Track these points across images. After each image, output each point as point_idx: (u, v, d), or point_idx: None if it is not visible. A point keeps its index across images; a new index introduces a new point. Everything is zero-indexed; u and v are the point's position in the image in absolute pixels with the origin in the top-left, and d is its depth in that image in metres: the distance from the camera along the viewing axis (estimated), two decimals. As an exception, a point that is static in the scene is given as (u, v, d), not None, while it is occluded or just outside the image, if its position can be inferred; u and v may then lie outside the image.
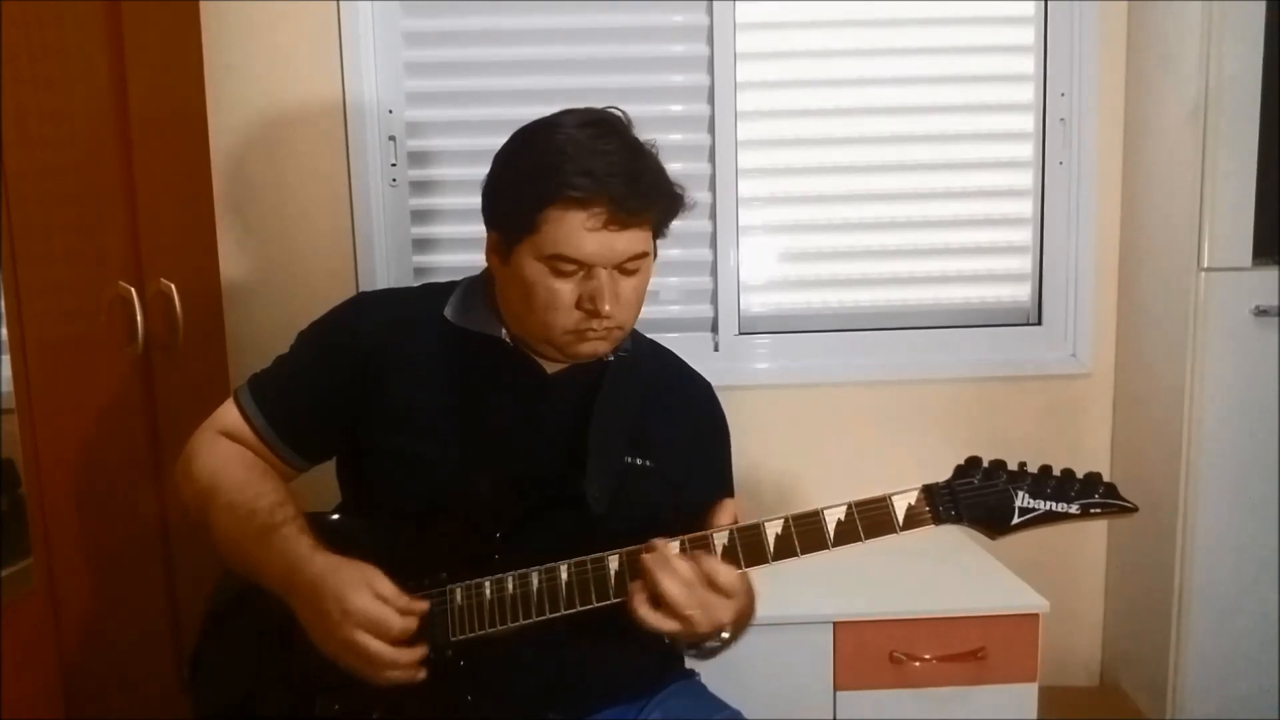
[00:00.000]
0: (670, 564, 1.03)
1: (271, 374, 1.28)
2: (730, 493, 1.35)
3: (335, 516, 1.24)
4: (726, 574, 1.04)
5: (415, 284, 2.00)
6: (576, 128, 1.14)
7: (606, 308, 1.13)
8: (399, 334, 1.24)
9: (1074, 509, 1.03)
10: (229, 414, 1.25)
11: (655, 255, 1.23)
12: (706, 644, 1.14)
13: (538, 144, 1.15)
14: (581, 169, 1.09)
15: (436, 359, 1.23)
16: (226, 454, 1.22)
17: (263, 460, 1.24)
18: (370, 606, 1.03)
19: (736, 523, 1.08)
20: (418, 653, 1.06)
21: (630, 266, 1.15)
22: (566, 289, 1.13)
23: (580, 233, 1.11)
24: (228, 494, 1.16)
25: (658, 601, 1.02)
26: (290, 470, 1.26)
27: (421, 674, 1.07)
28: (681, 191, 1.20)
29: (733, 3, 2.03)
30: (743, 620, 1.12)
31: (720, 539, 1.06)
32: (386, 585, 1.06)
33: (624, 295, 1.15)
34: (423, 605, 1.08)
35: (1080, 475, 1.04)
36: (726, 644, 1.14)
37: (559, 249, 1.12)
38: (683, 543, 1.06)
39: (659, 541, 1.05)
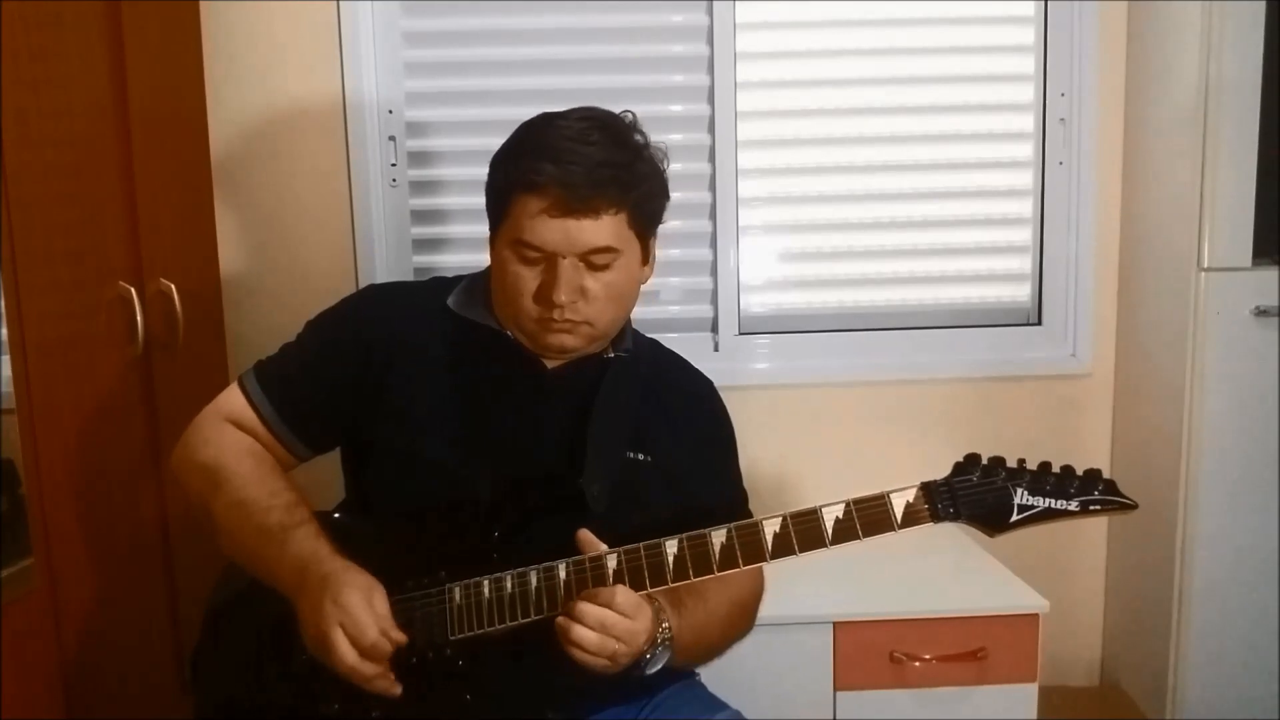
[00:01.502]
0: (577, 613, 1.05)
1: (278, 361, 1.28)
2: (737, 493, 1.35)
3: (336, 515, 1.24)
4: (623, 595, 1.05)
5: (417, 283, 2.00)
6: (574, 120, 1.16)
7: (562, 297, 1.13)
8: (406, 326, 1.25)
9: (1073, 506, 1.02)
10: (234, 399, 1.25)
11: (650, 258, 1.23)
12: (640, 665, 1.13)
13: (528, 132, 1.18)
14: (549, 157, 1.11)
15: (440, 353, 1.24)
16: (236, 443, 1.22)
17: (266, 449, 1.24)
18: (358, 608, 1.03)
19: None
20: (378, 669, 1.06)
21: (597, 260, 1.15)
22: (529, 276, 1.15)
23: (536, 219, 1.12)
24: (241, 488, 1.16)
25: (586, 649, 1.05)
26: (291, 459, 1.26)
27: (396, 689, 1.07)
28: (654, 188, 1.19)
29: (733, 3, 2.03)
30: (651, 638, 1.10)
31: (718, 537, 1.06)
32: (383, 603, 1.06)
33: (591, 290, 1.15)
34: (401, 638, 1.07)
35: (1080, 472, 1.04)
36: (658, 659, 1.13)
37: (519, 234, 1.14)
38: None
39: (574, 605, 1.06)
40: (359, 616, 1.03)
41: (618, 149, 1.15)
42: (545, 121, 1.18)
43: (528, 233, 1.13)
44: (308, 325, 1.30)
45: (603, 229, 1.14)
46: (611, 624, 1.04)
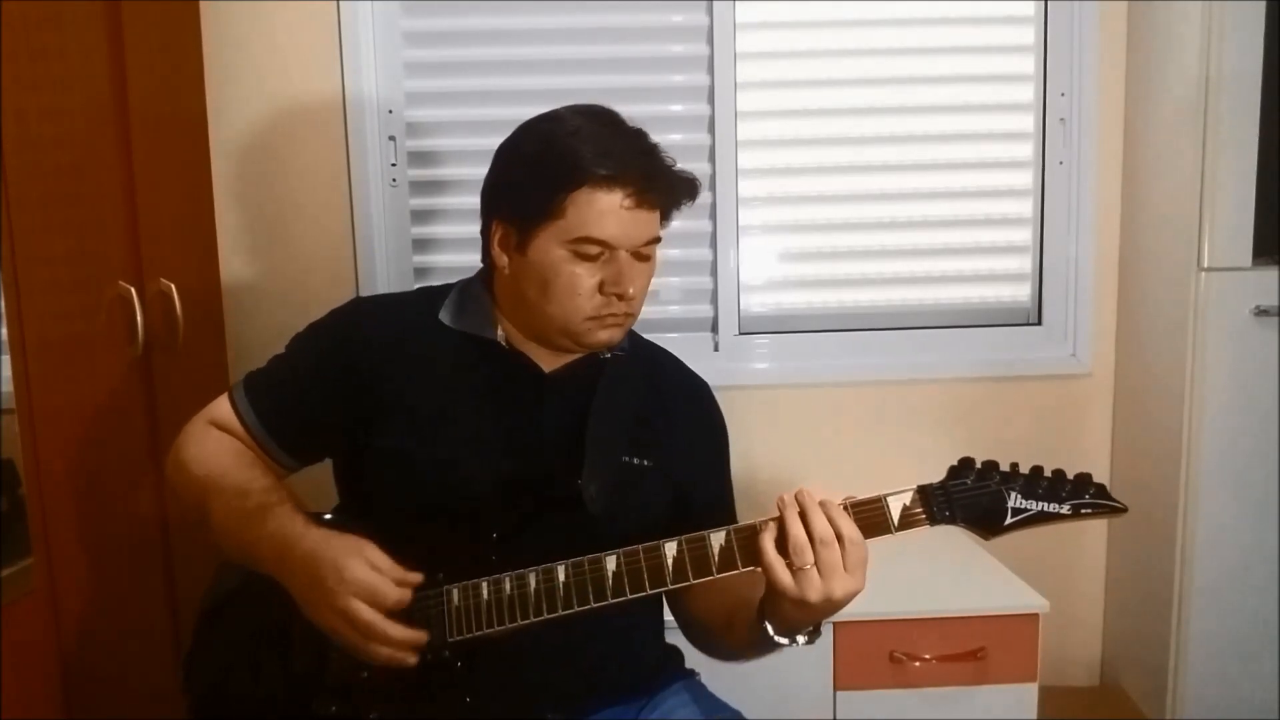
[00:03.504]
0: (805, 508, 1.00)
1: (266, 374, 1.28)
2: (730, 493, 1.35)
3: (328, 516, 1.24)
4: (851, 530, 1.00)
5: (416, 284, 2.01)
6: (583, 119, 1.16)
7: (631, 289, 1.15)
8: (395, 338, 1.24)
9: (1065, 509, 1.03)
10: (222, 408, 1.25)
11: None
12: (795, 635, 1.08)
13: (546, 133, 1.17)
14: (601, 150, 1.12)
15: (433, 362, 1.23)
16: (218, 443, 1.22)
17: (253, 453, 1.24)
18: (366, 575, 1.03)
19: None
20: (411, 633, 1.05)
21: (645, 251, 1.18)
22: (588, 273, 1.15)
23: (609, 214, 1.13)
24: (221, 478, 1.17)
25: (782, 544, 1.00)
26: (280, 469, 1.26)
27: (412, 658, 1.06)
28: (693, 176, 1.21)
29: (733, 3, 2.03)
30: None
31: (717, 540, 1.06)
32: (380, 556, 1.05)
33: (639, 280, 1.18)
34: (416, 577, 1.06)
35: (1071, 476, 1.04)
36: (810, 639, 1.09)
37: (586, 231, 1.13)
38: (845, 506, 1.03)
39: (804, 489, 1.02)
40: (370, 580, 1.03)
41: (642, 138, 1.17)
42: (553, 120, 1.18)
43: (595, 228, 1.13)
44: (295, 338, 1.29)
45: (654, 220, 1.18)
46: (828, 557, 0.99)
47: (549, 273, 1.16)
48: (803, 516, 1.00)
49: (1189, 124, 1.82)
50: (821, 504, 1.01)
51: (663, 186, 1.16)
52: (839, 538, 0.99)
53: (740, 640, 1.15)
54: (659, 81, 2.07)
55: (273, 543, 1.08)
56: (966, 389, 2.14)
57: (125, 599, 1.50)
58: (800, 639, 1.08)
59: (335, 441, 1.26)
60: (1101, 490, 1.03)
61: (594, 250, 1.14)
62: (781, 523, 1.01)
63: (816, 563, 0.99)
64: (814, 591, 0.99)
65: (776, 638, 1.08)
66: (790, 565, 1.00)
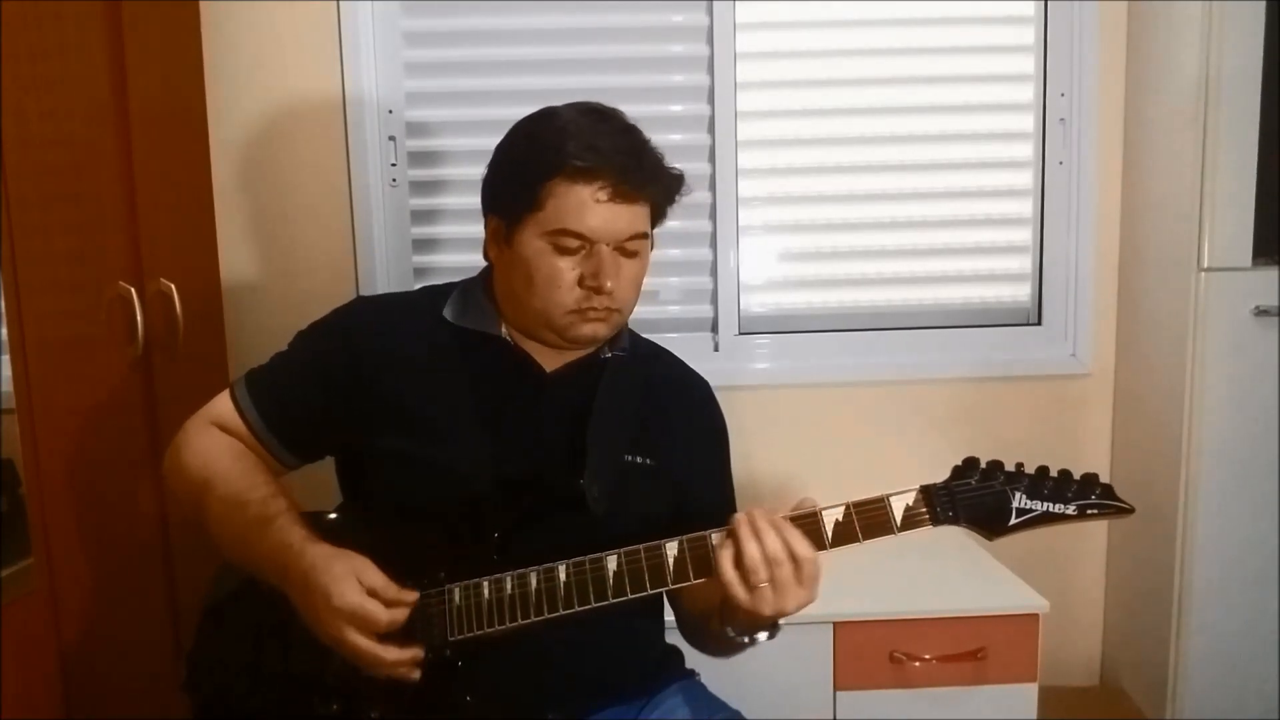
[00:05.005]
0: (759, 530, 1.02)
1: (268, 371, 1.28)
2: (731, 494, 1.35)
3: (333, 516, 1.24)
4: (805, 549, 1.02)
5: (416, 284, 2.01)
6: (575, 113, 1.17)
7: (609, 283, 1.14)
8: (396, 336, 1.24)
9: (1071, 510, 1.02)
10: (223, 405, 1.25)
11: (653, 244, 1.24)
12: (755, 634, 1.11)
13: (538, 127, 1.18)
14: (585, 144, 1.12)
15: (435, 360, 1.23)
16: (218, 444, 1.22)
17: (253, 453, 1.24)
18: (355, 602, 1.03)
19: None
20: (407, 654, 1.06)
21: (631, 247, 1.17)
22: (568, 266, 1.15)
23: (585, 206, 1.13)
24: (222, 484, 1.17)
25: (739, 562, 1.02)
26: (279, 467, 1.26)
27: (415, 674, 1.07)
28: (680, 173, 1.21)
29: (733, 3, 2.03)
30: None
31: (718, 540, 1.06)
32: (376, 576, 1.05)
33: (624, 276, 1.17)
34: (412, 596, 1.07)
35: (1077, 476, 1.04)
36: (771, 635, 1.11)
37: (564, 223, 1.13)
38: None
39: (757, 509, 1.04)
40: (359, 608, 1.03)
41: (634, 135, 1.18)
42: (548, 115, 1.19)
43: (572, 221, 1.13)
44: (297, 336, 1.29)
45: (640, 215, 1.17)
46: (781, 575, 1.01)
47: (531, 265, 1.16)
48: (757, 537, 1.02)
49: (1189, 124, 1.82)
50: (773, 523, 1.03)
51: (639, 181, 1.15)
52: (793, 556, 1.01)
53: (714, 638, 1.18)
54: (659, 81, 2.07)
55: (271, 560, 1.09)
56: (966, 389, 2.14)
57: (125, 599, 1.50)
58: (761, 636, 1.11)
59: (336, 439, 1.26)
60: (1108, 491, 1.03)
61: (573, 243, 1.14)
62: (737, 542, 1.02)
63: (770, 580, 1.01)
64: (767, 606, 1.02)
65: (736, 638, 1.11)
66: (746, 582, 1.01)
